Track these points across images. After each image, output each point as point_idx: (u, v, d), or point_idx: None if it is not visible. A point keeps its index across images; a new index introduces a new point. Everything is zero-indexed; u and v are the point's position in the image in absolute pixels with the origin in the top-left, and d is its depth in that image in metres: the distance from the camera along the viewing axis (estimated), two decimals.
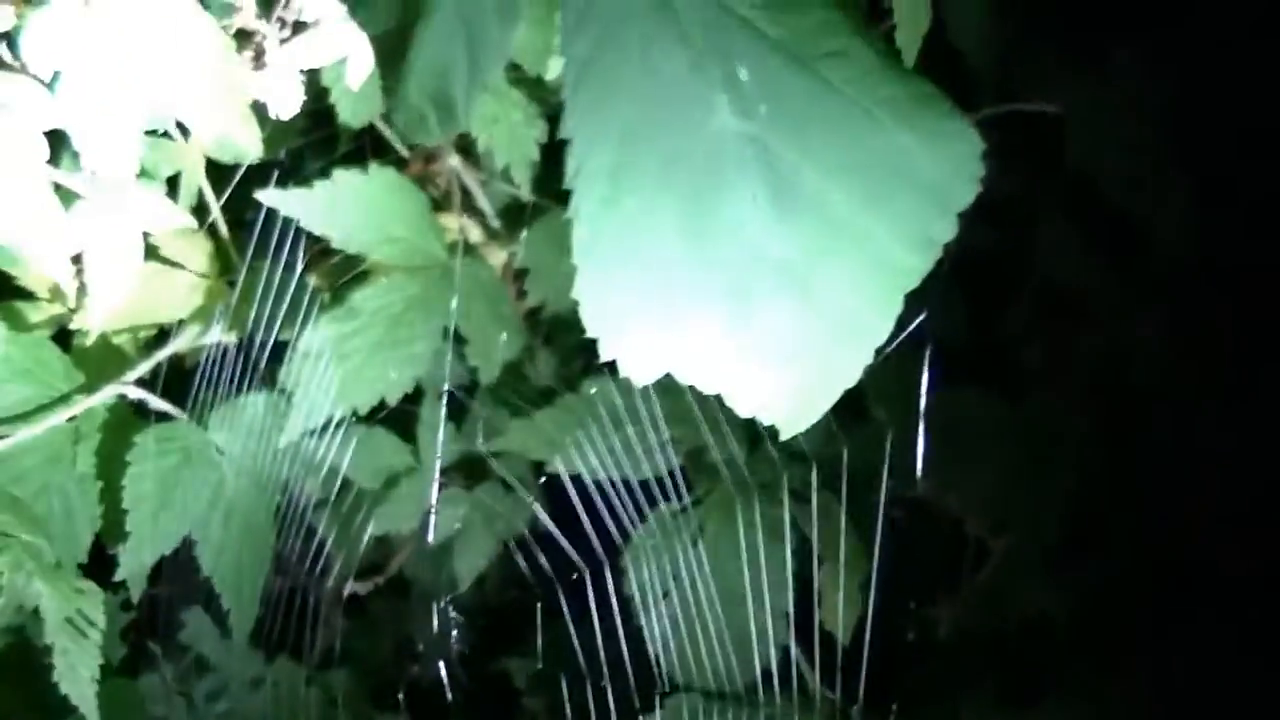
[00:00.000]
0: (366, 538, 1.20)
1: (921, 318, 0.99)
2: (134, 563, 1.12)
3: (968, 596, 1.25)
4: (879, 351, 0.75)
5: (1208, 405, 1.31)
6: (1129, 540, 1.27)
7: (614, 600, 1.11)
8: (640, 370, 0.72)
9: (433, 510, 1.21)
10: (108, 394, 1.14)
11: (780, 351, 0.73)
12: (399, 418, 1.22)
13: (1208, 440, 1.31)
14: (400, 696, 1.35)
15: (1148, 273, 1.32)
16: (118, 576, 1.11)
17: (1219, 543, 1.27)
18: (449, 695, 1.28)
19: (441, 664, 1.30)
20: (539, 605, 1.15)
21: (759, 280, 0.72)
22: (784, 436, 0.76)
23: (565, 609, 1.11)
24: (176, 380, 1.17)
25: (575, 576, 1.13)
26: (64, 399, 1.13)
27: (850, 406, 1.18)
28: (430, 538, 1.21)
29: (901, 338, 0.79)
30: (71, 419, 1.13)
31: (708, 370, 0.73)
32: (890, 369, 1.19)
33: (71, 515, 1.12)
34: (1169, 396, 1.32)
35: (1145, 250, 1.31)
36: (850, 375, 0.75)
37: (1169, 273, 1.31)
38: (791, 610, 1.11)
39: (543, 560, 1.17)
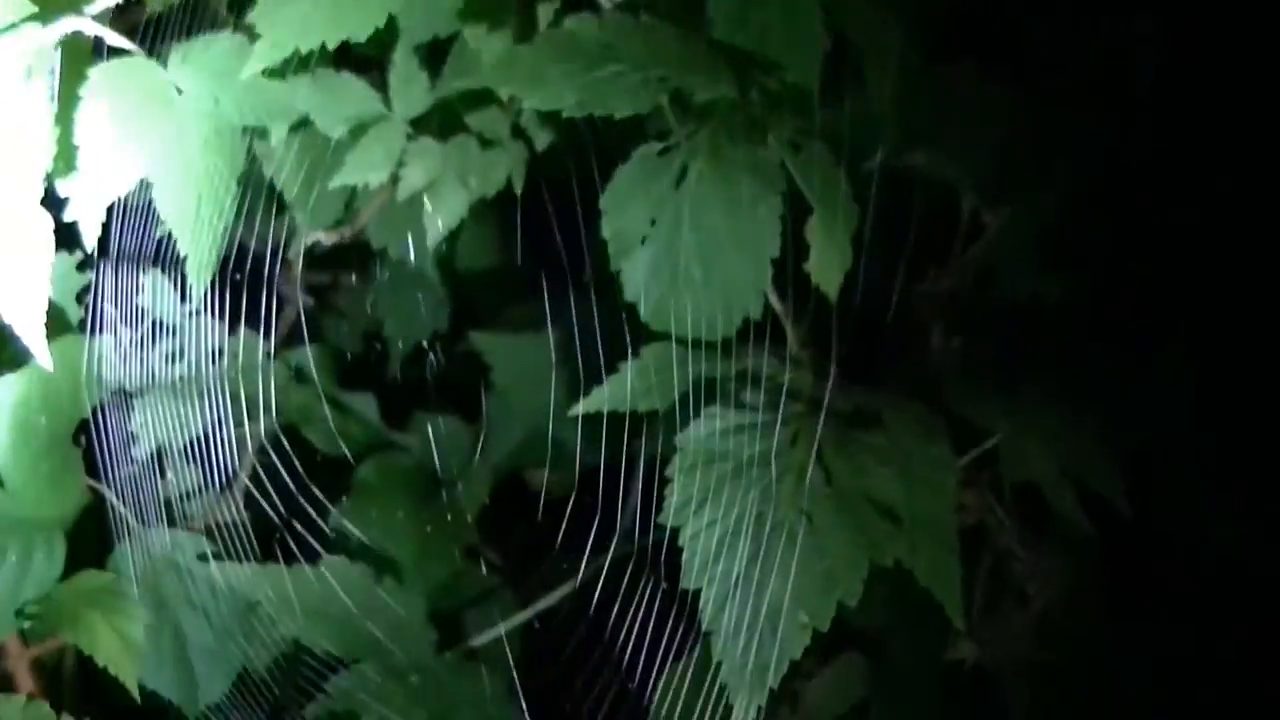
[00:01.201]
0: (333, 188, 1.15)
1: None
2: (86, 203, 1.06)
3: (959, 271, 1.21)
4: None
5: (1206, 106, 1.27)
6: (1124, 230, 1.23)
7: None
8: None
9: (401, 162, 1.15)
10: (62, 28, 1.08)
11: None
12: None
13: (1206, 139, 1.27)
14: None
15: None
16: (69, 216, 1.06)
17: (1215, 237, 1.24)
18: (427, 373, 1.25)
19: (425, 342, 1.26)
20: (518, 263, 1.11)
21: None
22: None
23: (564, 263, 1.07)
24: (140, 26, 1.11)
25: (553, 226, 1.08)
26: (13, 29, 1.06)
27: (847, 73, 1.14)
28: (399, 192, 1.15)
29: None
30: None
31: None
32: (890, 36, 1.15)
33: (20, 150, 1.06)
34: (1168, 94, 1.28)
35: None
36: None
37: None
38: (778, 257, 1.05)
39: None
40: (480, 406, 1.34)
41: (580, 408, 1.08)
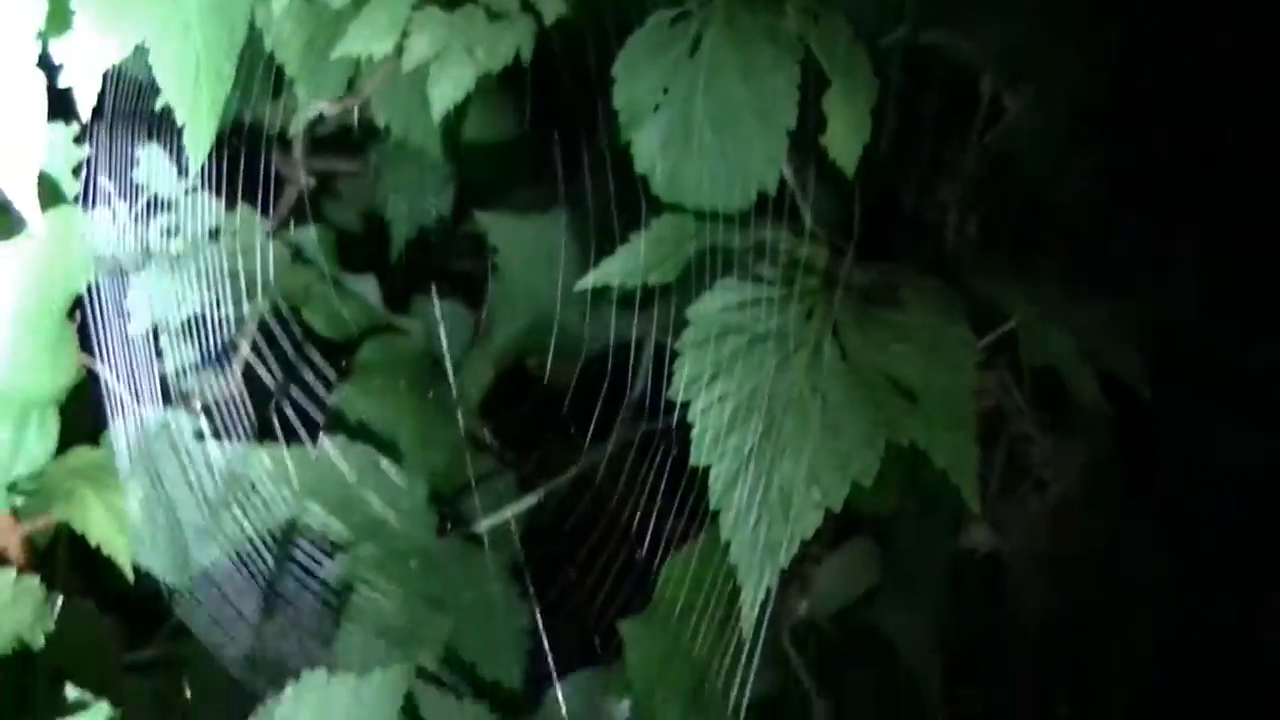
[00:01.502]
0: (335, 59, 1.11)
1: None
2: (82, 67, 1.03)
3: (978, 153, 1.18)
4: None
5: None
6: (1145, 124, 1.20)
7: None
8: None
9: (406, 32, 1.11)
10: None
11: None
12: None
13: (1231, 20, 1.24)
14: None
15: None
16: (64, 81, 1.03)
17: (1232, 140, 1.22)
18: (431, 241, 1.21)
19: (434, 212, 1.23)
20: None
21: None
22: None
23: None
24: None
25: (562, 102, 1.05)
26: None
27: None
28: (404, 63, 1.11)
29: None
30: None
31: None
32: None
33: (12, 8, 1.03)
34: None
35: None
36: None
37: None
38: (794, 128, 1.02)
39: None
40: (484, 291, 1.31)
41: (590, 279, 1.06)
